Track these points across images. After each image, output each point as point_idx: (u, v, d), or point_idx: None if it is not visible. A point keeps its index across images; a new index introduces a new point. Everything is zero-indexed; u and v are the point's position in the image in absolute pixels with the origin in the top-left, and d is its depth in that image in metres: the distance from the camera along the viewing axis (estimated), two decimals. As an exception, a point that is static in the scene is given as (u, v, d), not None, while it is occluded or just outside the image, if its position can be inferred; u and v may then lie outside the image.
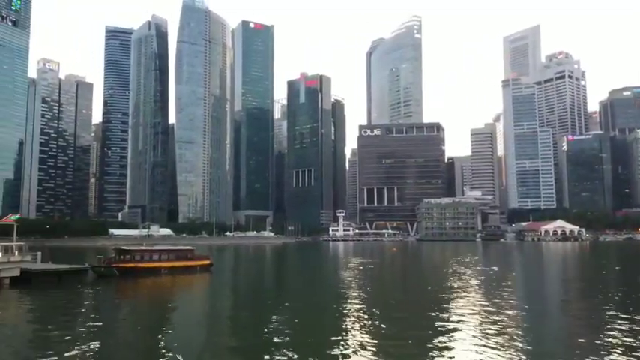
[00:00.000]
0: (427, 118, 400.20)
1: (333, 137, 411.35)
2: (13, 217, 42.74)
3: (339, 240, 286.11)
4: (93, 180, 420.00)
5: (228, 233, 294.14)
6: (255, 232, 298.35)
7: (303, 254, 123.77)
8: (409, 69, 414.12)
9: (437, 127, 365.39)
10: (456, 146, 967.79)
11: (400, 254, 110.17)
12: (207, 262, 54.02)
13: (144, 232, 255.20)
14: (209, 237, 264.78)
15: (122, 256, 47.02)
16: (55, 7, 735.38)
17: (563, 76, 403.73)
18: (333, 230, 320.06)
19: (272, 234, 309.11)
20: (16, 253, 39.25)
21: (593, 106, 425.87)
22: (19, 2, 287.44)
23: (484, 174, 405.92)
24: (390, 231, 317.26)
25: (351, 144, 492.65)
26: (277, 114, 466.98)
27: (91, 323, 24.62)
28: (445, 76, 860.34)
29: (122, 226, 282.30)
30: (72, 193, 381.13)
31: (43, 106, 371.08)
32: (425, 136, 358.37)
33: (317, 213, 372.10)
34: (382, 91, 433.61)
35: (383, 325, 23.49)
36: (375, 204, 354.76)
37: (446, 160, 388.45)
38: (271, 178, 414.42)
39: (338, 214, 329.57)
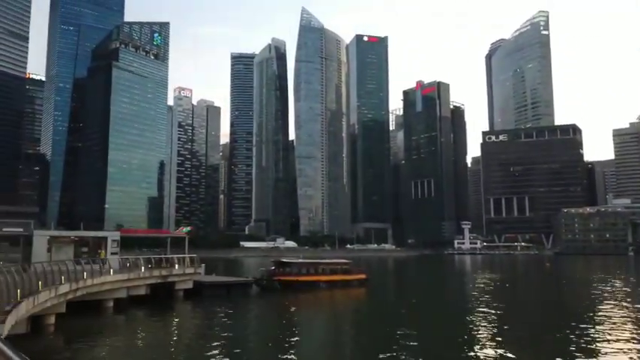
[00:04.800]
0: (559, 120, 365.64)
1: (452, 145, 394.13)
2: (184, 230, 43.71)
3: (465, 253, 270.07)
4: (222, 196, 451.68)
5: (348, 246, 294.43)
6: (376, 245, 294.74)
7: (434, 268, 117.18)
8: (536, 68, 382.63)
9: (573, 129, 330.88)
10: (596, 149, 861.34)
11: (538, 269, 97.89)
12: (363, 276, 51.34)
13: (270, 244, 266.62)
14: (331, 249, 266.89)
15: (282, 269, 46.12)
16: (186, 38, 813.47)
17: None
18: (458, 243, 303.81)
19: (393, 247, 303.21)
20: (187, 264, 39.65)
21: None
22: (159, 37, 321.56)
23: (632, 179, 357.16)
24: (522, 244, 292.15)
25: (472, 152, 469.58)
26: (392, 125, 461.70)
27: (263, 337, 24.65)
28: (579, 74, 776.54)
29: (250, 238, 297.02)
30: (204, 208, 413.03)
31: (179, 130, 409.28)
32: (559, 139, 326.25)
33: (438, 225, 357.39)
34: (506, 94, 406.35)
35: None
36: (504, 215, 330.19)
37: (585, 165, 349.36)
38: (388, 190, 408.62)
39: (463, 226, 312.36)
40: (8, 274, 15.83)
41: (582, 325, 26.56)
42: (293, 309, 36.85)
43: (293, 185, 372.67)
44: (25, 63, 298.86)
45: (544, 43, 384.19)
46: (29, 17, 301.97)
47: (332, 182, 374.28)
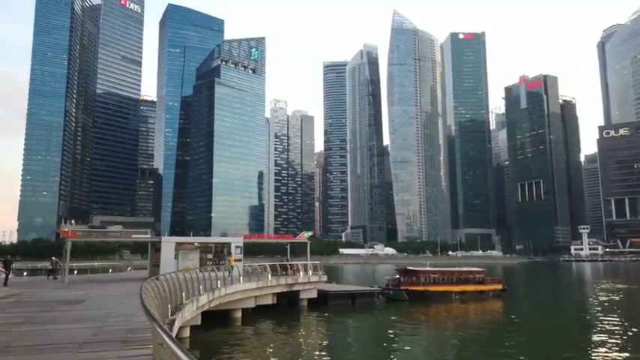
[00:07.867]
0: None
1: (563, 143, 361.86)
2: (305, 235, 41.70)
3: (584, 260, 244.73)
4: (317, 203, 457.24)
5: (451, 253, 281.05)
6: (481, 252, 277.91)
7: (558, 276, 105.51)
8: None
9: None
10: None
11: None
12: (499, 287, 45.76)
13: (369, 251, 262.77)
14: (432, 256, 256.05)
15: (408, 278, 42.24)
16: (280, 50, 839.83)
17: None
18: (575, 249, 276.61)
19: (500, 253, 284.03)
20: (310, 272, 37.40)
21: None
22: (256, 52, 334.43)
23: None
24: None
25: (585, 149, 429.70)
26: (493, 124, 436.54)
27: (391, 355, 22.32)
28: None
29: (347, 245, 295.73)
30: (301, 215, 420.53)
31: (275, 141, 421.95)
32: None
33: (550, 229, 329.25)
34: (624, 84, 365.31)
35: None
36: (628, 217, 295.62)
37: None
38: (491, 193, 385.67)
39: (581, 231, 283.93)
40: (159, 285, 14.09)
41: None
42: (423, 324, 33.00)
43: (389, 191, 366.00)
44: (139, 86, 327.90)
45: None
46: (141, 43, 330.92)
47: (430, 186, 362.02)
